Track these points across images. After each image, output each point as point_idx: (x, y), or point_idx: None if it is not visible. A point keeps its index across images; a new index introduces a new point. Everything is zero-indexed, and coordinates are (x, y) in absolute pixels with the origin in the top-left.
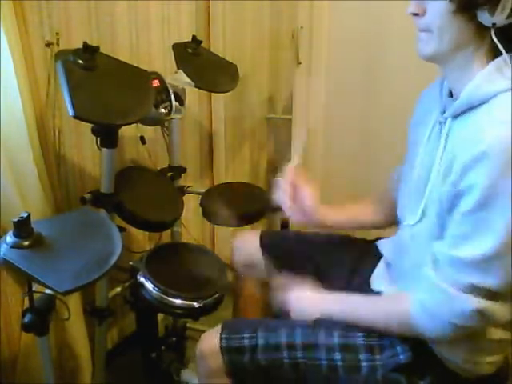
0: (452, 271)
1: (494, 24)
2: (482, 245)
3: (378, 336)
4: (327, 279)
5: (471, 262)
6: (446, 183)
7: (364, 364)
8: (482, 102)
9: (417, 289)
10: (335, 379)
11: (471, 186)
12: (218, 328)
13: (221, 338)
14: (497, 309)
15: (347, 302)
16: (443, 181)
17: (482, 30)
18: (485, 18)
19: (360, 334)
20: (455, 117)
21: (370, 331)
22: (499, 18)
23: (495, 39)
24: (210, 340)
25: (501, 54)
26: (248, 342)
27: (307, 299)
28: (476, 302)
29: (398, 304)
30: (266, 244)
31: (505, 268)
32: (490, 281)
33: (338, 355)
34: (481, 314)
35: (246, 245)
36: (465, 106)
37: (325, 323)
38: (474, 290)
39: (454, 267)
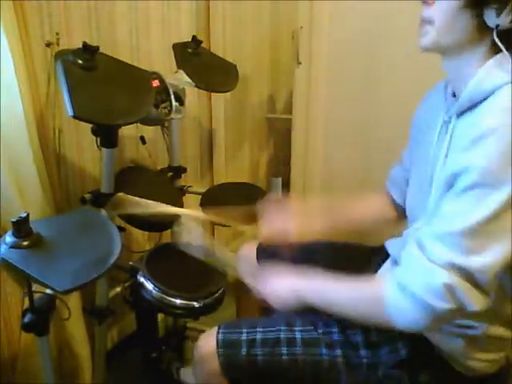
0: (435, 246)
1: (497, 25)
2: (473, 217)
3: (377, 332)
4: None
5: (460, 233)
6: (443, 175)
7: (364, 361)
8: (484, 99)
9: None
10: (336, 375)
11: (467, 167)
12: (215, 328)
13: (218, 333)
14: (470, 292)
15: (319, 282)
16: (442, 175)
17: (484, 30)
18: (490, 17)
19: (359, 330)
20: (459, 115)
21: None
22: (504, 20)
23: (497, 40)
24: (208, 341)
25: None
26: (246, 336)
27: (279, 284)
28: (448, 276)
29: (373, 284)
30: (262, 257)
31: (492, 248)
32: (473, 259)
33: (338, 351)
34: (450, 290)
35: (246, 257)
36: (467, 104)
37: (324, 319)
38: (453, 266)
39: (438, 241)
